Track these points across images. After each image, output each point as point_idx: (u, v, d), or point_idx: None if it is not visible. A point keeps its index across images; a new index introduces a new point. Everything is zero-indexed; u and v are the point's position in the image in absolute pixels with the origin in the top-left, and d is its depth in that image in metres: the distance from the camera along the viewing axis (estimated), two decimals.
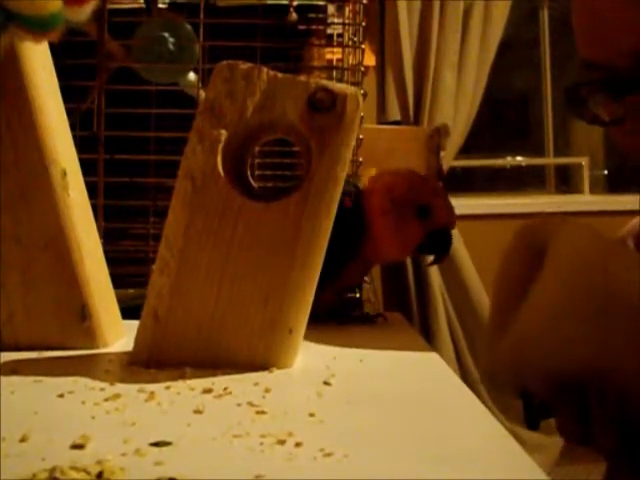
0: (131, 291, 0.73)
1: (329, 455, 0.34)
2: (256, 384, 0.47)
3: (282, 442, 0.36)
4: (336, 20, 1.02)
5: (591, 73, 0.57)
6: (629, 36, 0.53)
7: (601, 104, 0.58)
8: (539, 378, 0.52)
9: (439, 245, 0.70)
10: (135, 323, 0.52)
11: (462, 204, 2.46)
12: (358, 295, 0.82)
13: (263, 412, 0.41)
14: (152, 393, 0.44)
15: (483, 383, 0.50)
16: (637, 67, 0.53)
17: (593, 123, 0.60)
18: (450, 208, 0.69)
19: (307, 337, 0.53)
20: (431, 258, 0.72)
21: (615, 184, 2.96)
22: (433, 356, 0.57)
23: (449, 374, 0.52)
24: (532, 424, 0.53)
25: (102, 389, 0.45)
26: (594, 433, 0.50)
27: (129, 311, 0.61)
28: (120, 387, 0.45)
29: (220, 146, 0.50)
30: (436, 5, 2.30)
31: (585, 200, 2.80)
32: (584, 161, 2.95)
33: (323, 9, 1.01)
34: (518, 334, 0.54)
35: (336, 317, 0.69)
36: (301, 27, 0.99)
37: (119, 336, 0.59)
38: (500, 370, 0.54)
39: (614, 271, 0.50)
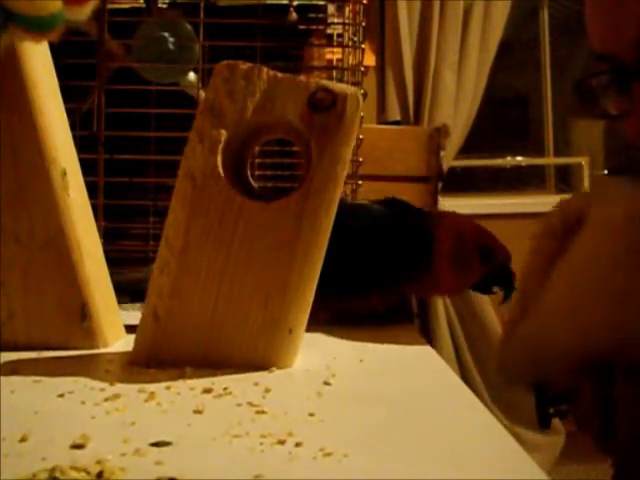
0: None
1: (329, 455, 0.34)
2: (256, 384, 0.47)
3: (282, 442, 0.36)
4: (336, 20, 1.02)
5: (600, 65, 0.57)
6: (632, 26, 0.54)
7: (610, 98, 0.58)
8: (561, 361, 0.52)
9: (503, 281, 0.69)
10: (135, 323, 0.52)
11: (462, 204, 2.47)
12: None
13: (263, 412, 0.41)
14: (152, 393, 0.44)
15: (497, 374, 0.51)
16: None
17: (602, 118, 0.60)
18: (504, 245, 0.69)
19: (307, 337, 0.53)
20: (499, 297, 0.72)
21: None
22: (433, 356, 0.57)
23: (449, 374, 0.52)
24: (544, 420, 0.53)
25: (102, 389, 0.45)
26: (618, 419, 0.49)
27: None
28: (120, 387, 0.45)
29: (220, 146, 0.50)
30: (436, 5, 2.30)
31: None
32: (584, 161, 2.95)
33: (323, 9, 1.01)
34: (540, 317, 0.53)
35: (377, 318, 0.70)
36: (301, 27, 0.99)
37: (119, 336, 0.59)
38: (516, 358, 0.54)
39: None
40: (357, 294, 0.66)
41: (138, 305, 0.73)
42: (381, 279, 0.67)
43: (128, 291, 0.66)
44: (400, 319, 0.72)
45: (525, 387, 0.53)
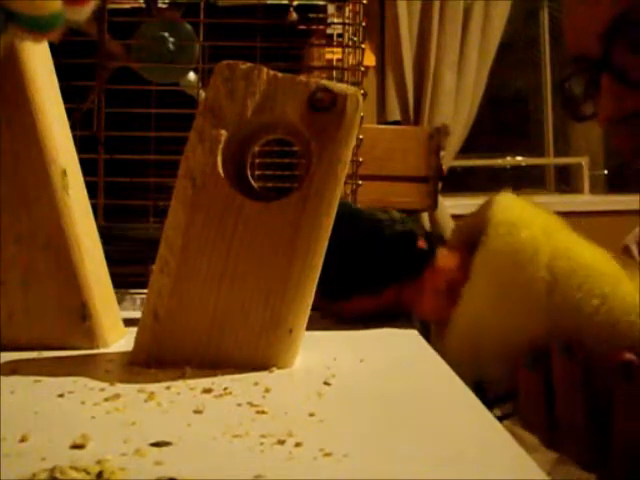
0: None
1: (329, 455, 0.34)
2: (256, 384, 0.47)
3: (282, 442, 0.36)
4: (336, 20, 1.02)
5: (575, 67, 0.60)
6: (596, 23, 0.58)
7: (591, 100, 0.61)
8: (500, 352, 0.53)
9: None
10: (135, 323, 0.52)
11: (462, 204, 2.47)
12: None
13: (263, 412, 0.41)
14: (152, 393, 0.44)
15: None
16: (605, 47, 0.57)
17: (583, 120, 0.63)
18: None
19: (307, 337, 0.53)
20: None
21: (615, 184, 2.97)
22: (434, 357, 0.57)
23: (449, 374, 0.52)
24: None
25: (102, 389, 0.45)
26: (559, 408, 0.50)
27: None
28: (120, 387, 0.45)
29: (220, 146, 0.50)
30: (436, 5, 2.30)
31: (585, 200, 2.81)
32: (584, 161, 2.95)
33: (323, 9, 1.01)
34: (467, 319, 0.55)
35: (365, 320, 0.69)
36: (301, 27, 0.99)
37: (119, 336, 0.59)
38: (453, 360, 0.55)
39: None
40: (343, 294, 0.66)
41: (138, 305, 0.73)
42: (361, 285, 0.67)
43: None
44: (399, 321, 0.72)
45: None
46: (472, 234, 0.60)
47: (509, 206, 0.58)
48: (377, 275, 0.67)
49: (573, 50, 0.61)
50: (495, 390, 0.53)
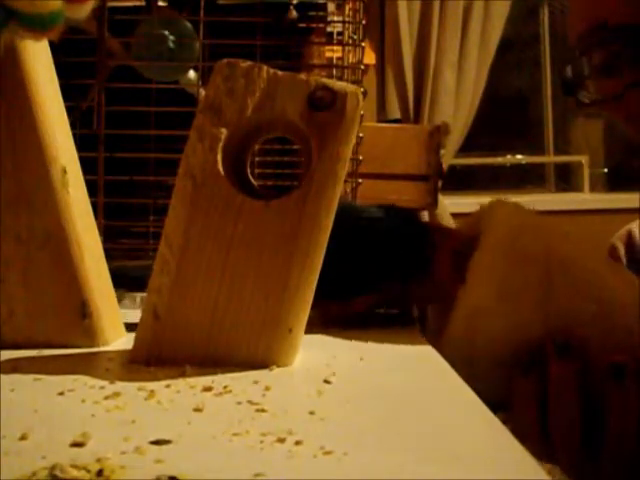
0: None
1: (329, 453, 0.34)
2: (256, 382, 0.47)
3: (282, 440, 0.36)
4: (336, 18, 1.02)
5: (590, 41, 0.57)
6: None
7: (599, 82, 0.59)
8: (495, 358, 0.53)
9: None
10: (135, 322, 0.52)
11: (462, 202, 2.47)
12: None
13: (263, 410, 0.41)
14: (152, 391, 0.44)
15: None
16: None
17: (592, 105, 0.61)
18: None
19: (307, 336, 0.53)
20: None
21: (615, 182, 2.97)
22: (434, 356, 0.57)
23: (450, 372, 0.52)
24: None
25: (102, 387, 0.45)
26: (553, 409, 0.50)
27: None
28: (120, 385, 0.45)
29: (220, 144, 0.50)
30: (436, 3, 2.30)
31: (585, 198, 2.81)
32: (584, 159, 2.95)
33: (323, 7, 1.01)
34: (464, 322, 0.55)
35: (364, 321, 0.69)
36: (301, 25, 0.99)
37: (119, 334, 0.59)
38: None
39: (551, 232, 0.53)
40: (338, 297, 0.65)
41: (138, 303, 0.74)
42: (364, 285, 0.66)
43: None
44: (401, 322, 0.72)
45: None
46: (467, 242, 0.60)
47: (503, 212, 0.58)
48: (380, 272, 0.66)
49: (588, 24, 0.57)
50: (487, 399, 0.53)
